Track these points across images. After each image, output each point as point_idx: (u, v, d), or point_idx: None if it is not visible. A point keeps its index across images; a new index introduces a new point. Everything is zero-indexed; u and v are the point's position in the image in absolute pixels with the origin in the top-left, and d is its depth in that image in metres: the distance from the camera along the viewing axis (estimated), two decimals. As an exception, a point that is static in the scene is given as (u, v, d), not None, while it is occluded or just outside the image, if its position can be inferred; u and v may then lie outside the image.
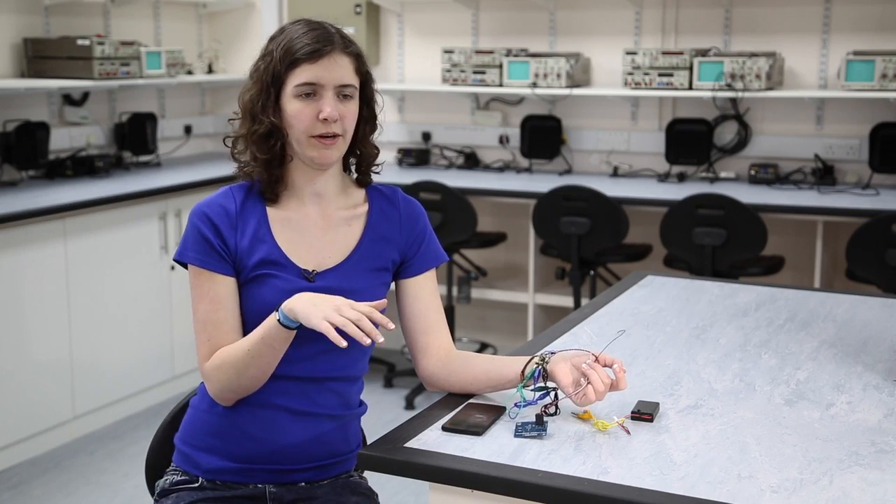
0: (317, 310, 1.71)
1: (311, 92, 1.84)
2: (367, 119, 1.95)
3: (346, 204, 1.97)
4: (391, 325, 1.73)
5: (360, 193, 2.00)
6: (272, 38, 1.89)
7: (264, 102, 1.85)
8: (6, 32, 4.64)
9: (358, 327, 1.68)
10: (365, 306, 1.71)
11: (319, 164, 1.89)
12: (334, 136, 1.86)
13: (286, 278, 1.87)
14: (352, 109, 1.89)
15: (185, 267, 1.90)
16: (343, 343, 1.67)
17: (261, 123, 1.86)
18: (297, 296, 1.77)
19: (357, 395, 2.01)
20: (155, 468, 2.05)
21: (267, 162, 1.88)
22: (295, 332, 1.78)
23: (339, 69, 1.85)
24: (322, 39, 1.84)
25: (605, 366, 1.77)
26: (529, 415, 1.75)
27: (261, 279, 1.87)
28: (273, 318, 1.78)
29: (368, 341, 1.68)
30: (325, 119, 1.84)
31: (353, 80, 1.88)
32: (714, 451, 1.64)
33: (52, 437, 4.09)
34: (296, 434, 1.90)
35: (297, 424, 1.90)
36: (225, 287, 1.87)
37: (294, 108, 1.85)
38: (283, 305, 1.77)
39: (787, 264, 4.50)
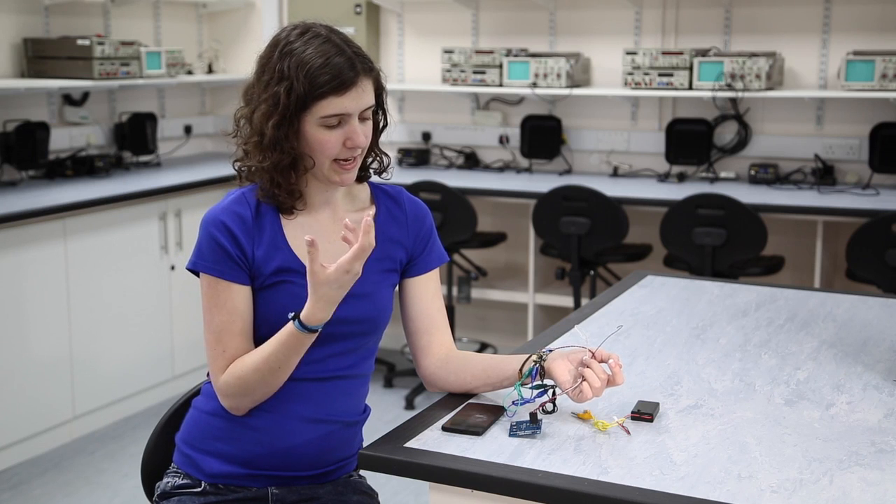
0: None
1: (337, 122, 1.82)
2: (380, 126, 1.94)
3: (354, 207, 1.96)
4: None
5: (366, 194, 1.99)
6: (282, 57, 1.81)
7: (287, 131, 1.81)
8: (6, 32, 4.64)
9: None
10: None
11: (340, 185, 1.88)
12: (355, 158, 1.86)
13: (303, 284, 1.82)
14: (370, 127, 1.88)
15: (197, 275, 1.87)
16: None
17: (284, 153, 1.81)
18: (314, 306, 1.73)
19: (364, 399, 2.00)
20: (152, 468, 2.03)
21: (288, 186, 1.86)
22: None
23: (364, 96, 1.83)
24: (346, 68, 1.80)
25: (601, 361, 1.77)
26: (526, 414, 1.75)
27: (277, 286, 1.85)
28: (295, 331, 1.75)
29: None
30: (353, 147, 1.83)
31: (373, 99, 1.86)
32: (714, 451, 1.64)
33: (52, 437, 4.09)
34: (305, 440, 1.89)
35: (307, 430, 1.89)
36: (241, 296, 1.84)
37: (320, 137, 1.81)
38: (307, 319, 1.74)
39: (787, 264, 4.50)
